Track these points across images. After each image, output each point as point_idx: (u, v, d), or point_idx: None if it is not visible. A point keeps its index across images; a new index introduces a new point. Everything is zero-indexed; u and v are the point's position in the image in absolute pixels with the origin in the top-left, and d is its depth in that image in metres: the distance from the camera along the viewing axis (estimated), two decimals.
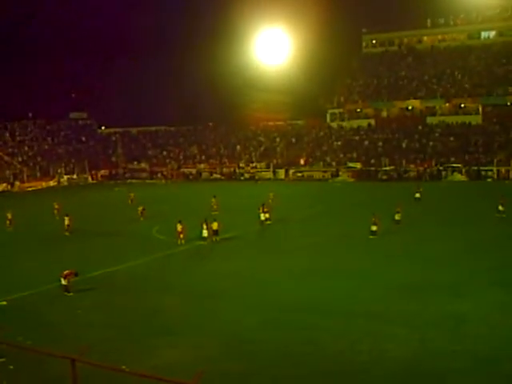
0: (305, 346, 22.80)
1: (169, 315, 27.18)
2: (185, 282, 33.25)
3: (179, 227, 44.07)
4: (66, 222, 50.54)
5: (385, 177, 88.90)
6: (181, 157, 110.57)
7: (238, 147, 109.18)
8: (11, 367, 19.96)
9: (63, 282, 31.30)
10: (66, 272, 31.29)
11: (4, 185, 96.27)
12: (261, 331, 24.54)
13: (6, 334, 18.12)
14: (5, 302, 30.45)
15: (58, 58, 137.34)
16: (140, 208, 57.10)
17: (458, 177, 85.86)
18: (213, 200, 59.35)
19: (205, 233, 43.83)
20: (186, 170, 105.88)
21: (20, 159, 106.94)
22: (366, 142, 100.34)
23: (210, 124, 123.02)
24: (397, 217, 47.52)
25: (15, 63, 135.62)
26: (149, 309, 28.39)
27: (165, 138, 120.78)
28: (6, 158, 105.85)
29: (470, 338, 23.00)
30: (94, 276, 33.76)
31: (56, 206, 61.07)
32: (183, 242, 43.80)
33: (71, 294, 31.15)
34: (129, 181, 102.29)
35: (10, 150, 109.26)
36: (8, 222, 54.70)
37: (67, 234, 50.17)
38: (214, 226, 44.23)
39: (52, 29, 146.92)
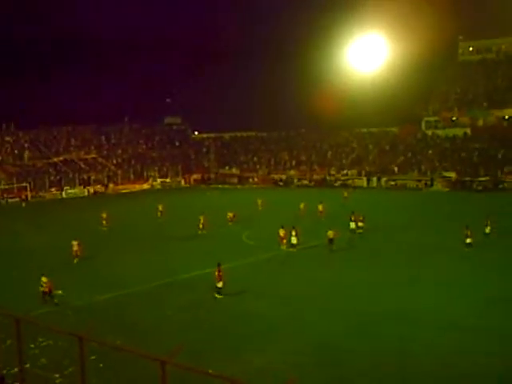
0: (393, 356, 22.25)
1: (258, 320, 27.08)
2: (275, 288, 33.12)
3: (282, 232, 44.16)
4: (201, 221, 51.82)
5: (480, 187, 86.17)
6: (271, 162, 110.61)
7: (330, 153, 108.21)
8: (101, 365, 20.19)
9: (219, 284, 30.95)
10: (217, 274, 30.88)
11: (98, 186, 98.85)
12: (349, 340, 24.13)
13: (97, 333, 18.37)
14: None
15: (154, 63, 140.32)
16: (230, 214, 57.02)
17: None
18: (319, 206, 58.29)
19: (294, 239, 43.44)
20: (275, 176, 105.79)
21: (114, 161, 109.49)
22: (462, 151, 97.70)
23: (303, 130, 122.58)
24: (486, 230, 45.09)
25: (114, 68, 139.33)
26: (238, 312, 28.41)
27: (256, 143, 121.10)
28: (101, 159, 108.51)
29: None
30: (185, 278, 33.98)
31: (160, 208, 62.60)
32: (284, 247, 43.79)
33: (221, 296, 31.06)
34: (221, 185, 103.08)
35: (104, 152, 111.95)
36: (104, 221, 56.36)
37: (201, 232, 51.43)
38: (330, 234, 42.69)
39: (148, 34, 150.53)
